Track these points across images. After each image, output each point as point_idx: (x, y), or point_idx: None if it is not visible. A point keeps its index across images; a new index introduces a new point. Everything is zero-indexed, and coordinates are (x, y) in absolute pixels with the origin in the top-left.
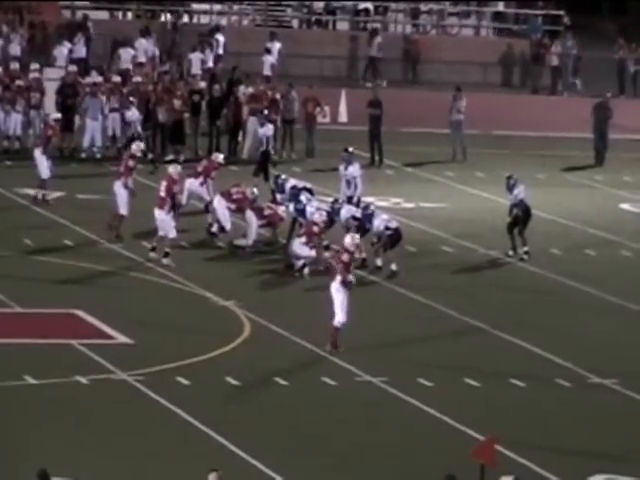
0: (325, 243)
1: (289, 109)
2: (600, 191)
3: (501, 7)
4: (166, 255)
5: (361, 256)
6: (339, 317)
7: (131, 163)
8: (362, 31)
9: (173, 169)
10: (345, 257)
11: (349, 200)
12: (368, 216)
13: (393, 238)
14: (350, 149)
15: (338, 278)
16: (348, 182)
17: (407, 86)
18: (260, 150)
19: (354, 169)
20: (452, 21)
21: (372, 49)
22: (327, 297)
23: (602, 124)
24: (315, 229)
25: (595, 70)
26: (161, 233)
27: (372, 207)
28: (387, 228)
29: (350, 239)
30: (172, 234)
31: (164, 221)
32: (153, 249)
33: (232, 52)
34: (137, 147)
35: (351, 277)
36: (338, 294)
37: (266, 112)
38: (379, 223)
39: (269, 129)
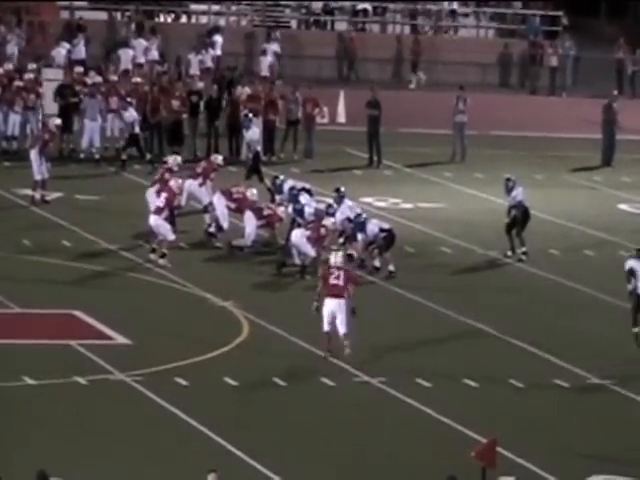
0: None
1: (293, 110)
2: (599, 192)
3: (455, 6)
4: (163, 256)
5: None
6: (344, 329)
7: (167, 176)
8: (361, 31)
9: (174, 182)
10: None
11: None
12: (360, 224)
13: (387, 239)
14: (342, 189)
15: (346, 298)
16: (350, 207)
17: (342, 84)
18: (247, 154)
19: (345, 207)
20: (449, 22)
21: (272, 45)
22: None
23: (609, 124)
24: (322, 231)
25: (593, 71)
26: (160, 237)
27: (363, 215)
28: (381, 230)
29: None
30: (171, 236)
31: (160, 226)
32: (153, 250)
33: (230, 52)
34: (174, 161)
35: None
36: (343, 310)
37: (251, 115)
38: (373, 227)
39: (255, 132)
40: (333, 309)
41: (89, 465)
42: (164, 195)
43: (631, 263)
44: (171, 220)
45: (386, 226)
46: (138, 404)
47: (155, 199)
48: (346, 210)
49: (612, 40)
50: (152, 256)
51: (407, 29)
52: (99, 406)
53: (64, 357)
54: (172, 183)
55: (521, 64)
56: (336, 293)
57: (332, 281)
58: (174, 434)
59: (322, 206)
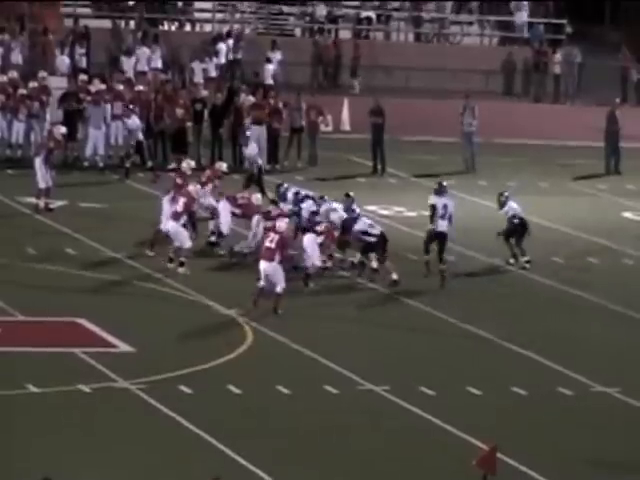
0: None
1: (296, 117)
2: (603, 199)
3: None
4: (181, 264)
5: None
6: (279, 289)
7: (179, 180)
8: (364, 39)
9: (193, 187)
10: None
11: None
12: (353, 219)
13: (378, 244)
14: (351, 193)
15: (277, 261)
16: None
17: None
18: (250, 170)
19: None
20: (454, 29)
21: (236, 51)
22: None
23: (612, 132)
24: (335, 234)
25: (597, 78)
26: (176, 244)
27: (357, 211)
28: (367, 233)
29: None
30: (187, 244)
31: (178, 232)
32: (170, 260)
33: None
34: (187, 165)
35: None
36: (275, 272)
37: (248, 133)
38: (359, 227)
39: (253, 148)
40: (265, 270)
41: (92, 473)
42: (182, 200)
43: (433, 199)
44: (192, 225)
45: (376, 231)
46: (142, 412)
47: (170, 206)
48: (339, 212)
49: (616, 47)
50: (170, 266)
51: (411, 36)
52: (102, 414)
53: (68, 365)
54: (191, 188)
55: (525, 72)
56: (267, 256)
57: (266, 243)
58: (177, 442)
59: (323, 208)
